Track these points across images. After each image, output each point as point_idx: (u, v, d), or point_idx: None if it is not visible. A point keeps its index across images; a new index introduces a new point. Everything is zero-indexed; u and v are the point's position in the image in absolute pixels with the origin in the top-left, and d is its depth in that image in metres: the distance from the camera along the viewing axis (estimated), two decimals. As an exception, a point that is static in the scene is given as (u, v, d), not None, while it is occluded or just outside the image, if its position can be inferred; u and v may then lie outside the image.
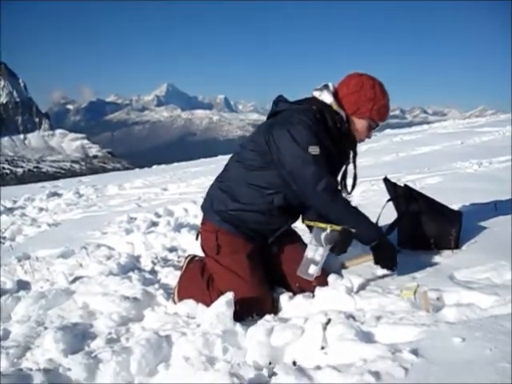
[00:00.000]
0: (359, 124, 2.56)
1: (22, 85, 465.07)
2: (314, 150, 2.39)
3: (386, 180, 3.02)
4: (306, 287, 2.49)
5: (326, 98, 2.53)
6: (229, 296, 2.23)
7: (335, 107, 2.51)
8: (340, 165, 2.68)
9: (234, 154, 2.72)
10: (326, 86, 2.57)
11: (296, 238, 2.84)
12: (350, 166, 2.72)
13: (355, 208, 2.48)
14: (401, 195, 2.89)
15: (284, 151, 2.43)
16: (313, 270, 2.39)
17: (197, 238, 2.79)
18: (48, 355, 2.11)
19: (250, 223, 2.58)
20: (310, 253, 2.44)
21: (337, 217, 2.41)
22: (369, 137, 2.66)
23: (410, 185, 3.04)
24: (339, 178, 2.71)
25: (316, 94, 2.58)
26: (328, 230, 2.37)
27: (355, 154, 2.69)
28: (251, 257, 2.58)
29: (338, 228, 2.35)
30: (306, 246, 2.69)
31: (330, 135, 2.51)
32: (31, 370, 1.93)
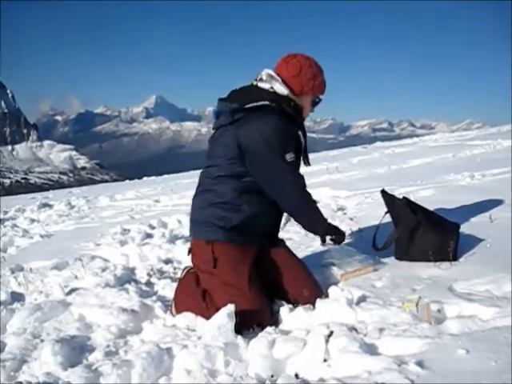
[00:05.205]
0: (305, 102, 2.69)
1: (9, 95, 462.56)
2: (290, 157, 2.52)
3: (383, 192, 3.03)
4: (301, 301, 2.49)
5: (280, 89, 2.58)
6: (230, 308, 2.20)
7: (291, 96, 2.60)
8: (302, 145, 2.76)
9: (207, 172, 2.70)
10: (271, 76, 2.61)
11: (282, 244, 2.83)
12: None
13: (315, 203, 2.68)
14: (399, 207, 2.91)
15: (261, 162, 2.50)
16: None
17: (189, 254, 2.75)
18: (46, 368, 2.07)
19: (259, 227, 2.64)
20: None
21: (308, 219, 2.63)
22: (312, 111, 2.76)
23: (406, 197, 3.06)
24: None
25: (265, 86, 2.61)
26: None
27: (304, 129, 2.75)
28: (251, 267, 2.54)
29: None
30: (290, 252, 2.78)
31: (293, 124, 2.62)
32: (30, 383, 1.90)
